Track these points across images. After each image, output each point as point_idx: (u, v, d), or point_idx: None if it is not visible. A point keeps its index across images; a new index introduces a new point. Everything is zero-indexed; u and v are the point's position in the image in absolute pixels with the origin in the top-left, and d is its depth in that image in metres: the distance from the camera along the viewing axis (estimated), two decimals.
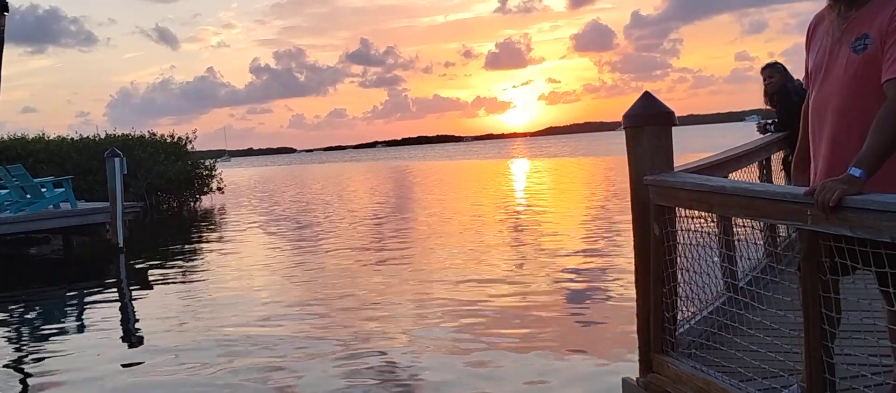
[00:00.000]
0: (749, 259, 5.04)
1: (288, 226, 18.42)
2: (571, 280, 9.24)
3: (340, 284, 9.93)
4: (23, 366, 6.98)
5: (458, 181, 36.23)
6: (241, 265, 12.30)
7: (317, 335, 7.21)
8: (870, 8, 2.86)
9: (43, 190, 15.16)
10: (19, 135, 28.05)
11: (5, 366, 6.91)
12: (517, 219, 16.85)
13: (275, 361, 6.44)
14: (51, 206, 14.77)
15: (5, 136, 27.68)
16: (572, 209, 18.93)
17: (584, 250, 11.48)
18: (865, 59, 2.83)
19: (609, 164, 40.71)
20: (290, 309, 8.52)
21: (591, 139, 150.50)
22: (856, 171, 2.62)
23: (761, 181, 6.26)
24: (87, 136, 27.72)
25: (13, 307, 9.93)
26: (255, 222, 20.10)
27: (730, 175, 4.71)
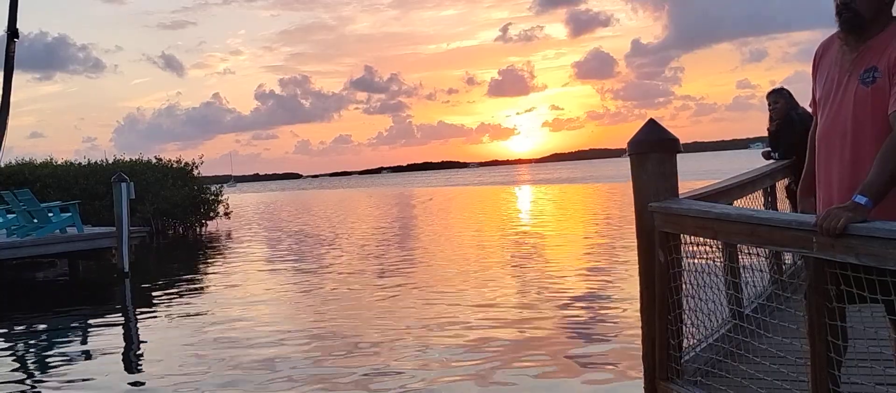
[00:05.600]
0: (754, 286, 5.03)
1: (293, 251, 18.43)
2: (576, 307, 9.21)
3: (346, 309, 9.92)
4: (27, 390, 6.97)
5: (464, 207, 36.22)
6: (247, 290, 12.29)
7: (322, 361, 7.19)
8: (879, 40, 2.89)
9: (49, 215, 15.21)
10: (27, 159, 28.20)
11: (11, 390, 6.90)
12: (522, 246, 16.83)
13: (280, 387, 6.42)
14: (57, 230, 14.81)
15: (13, 161, 27.79)
16: (577, 236, 18.89)
17: (588, 277, 11.45)
18: (874, 91, 2.86)
19: (613, 190, 40.69)
20: (295, 334, 8.50)
21: (596, 165, 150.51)
22: (861, 199, 2.63)
23: (766, 208, 6.25)
24: (95, 161, 27.83)
25: (19, 331, 9.94)
26: (260, 247, 20.11)
27: (734, 202, 4.70)
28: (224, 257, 18.65)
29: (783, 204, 6.88)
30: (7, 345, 9.09)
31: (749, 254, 4.64)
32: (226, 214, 29.72)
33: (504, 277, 11.92)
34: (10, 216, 16.14)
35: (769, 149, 7.37)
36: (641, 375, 3.88)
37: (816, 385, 2.78)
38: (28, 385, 7.16)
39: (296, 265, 15.39)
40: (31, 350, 8.98)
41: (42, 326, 10.29)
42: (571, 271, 12.18)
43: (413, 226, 25.79)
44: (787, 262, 6.01)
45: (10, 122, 26.25)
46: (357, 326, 8.75)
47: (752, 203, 5.59)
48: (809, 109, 3.44)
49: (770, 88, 7.42)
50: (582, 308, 9.12)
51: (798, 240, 2.76)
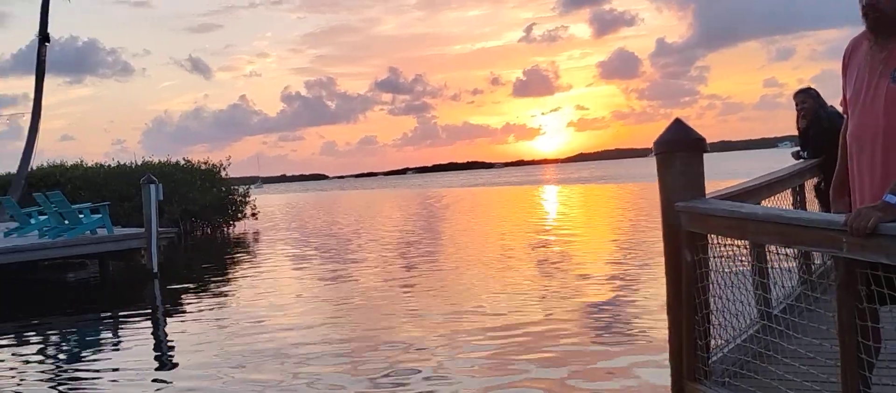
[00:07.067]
0: (783, 287, 4.98)
1: (320, 252, 18.52)
2: (602, 308, 9.17)
3: (372, 309, 9.95)
4: (59, 389, 7.07)
5: (490, 208, 36.19)
6: (274, 291, 12.38)
7: (349, 361, 7.22)
8: None
9: (80, 216, 15.43)
10: (58, 162, 28.62)
11: (41, 390, 7.00)
12: (547, 246, 16.79)
13: (307, 385, 6.46)
14: (88, 231, 15.01)
15: (45, 164, 28.26)
16: (603, 236, 18.82)
17: (614, 277, 11.39)
18: None
19: (639, 190, 40.44)
20: (322, 335, 8.54)
21: (621, 165, 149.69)
22: (892, 198, 2.60)
23: (795, 208, 6.18)
24: (124, 163, 28.15)
25: (51, 331, 10.09)
26: (287, 248, 20.23)
27: (762, 202, 4.66)
28: (251, 258, 18.79)
29: (812, 204, 6.80)
30: (40, 343, 9.24)
31: (777, 254, 4.60)
32: (253, 214, 29.86)
33: (529, 277, 11.90)
34: (43, 218, 16.39)
35: (798, 148, 7.30)
36: (669, 375, 3.85)
37: (847, 386, 2.75)
38: (61, 382, 7.26)
39: (322, 265, 15.47)
40: (63, 348, 9.11)
41: (74, 326, 10.44)
42: (597, 271, 12.12)
43: (439, 226, 25.81)
44: (816, 262, 5.94)
45: (42, 125, 26.85)
46: (383, 325, 8.78)
47: (780, 203, 5.53)
48: (840, 108, 3.40)
49: (798, 87, 7.35)
50: (608, 308, 9.08)
51: (827, 240, 2.73)
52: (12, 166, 27.11)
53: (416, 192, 68.77)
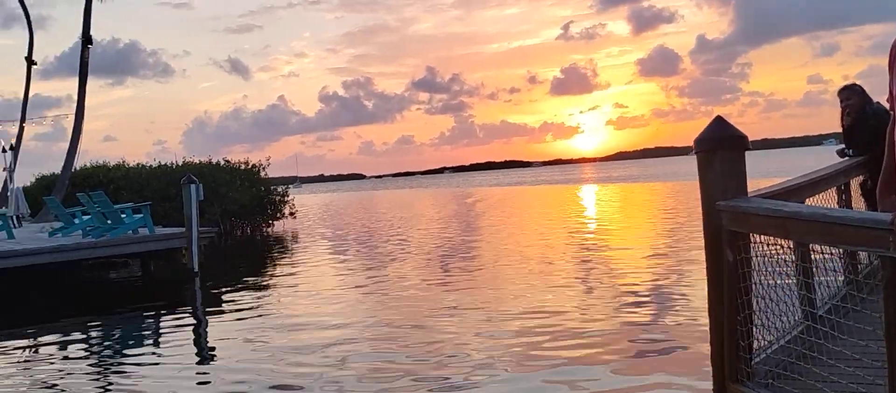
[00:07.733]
0: (828, 286, 4.88)
1: (358, 251, 18.62)
2: (642, 307, 9.09)
3: (411, 310, 9.97)
4: (102, 386, 7.19)
5: (528, 206, 36.06)
6: (313, 290, 12.47)
7: (388, 362, 7.24)
8: None
9: (122, 216, 15.67)
10: (101, 163, 29.15)
11: (86, 386, 7.13)
12: (587, 245, 16.68)
13: (346, 384, 6.48)
14: (130, 231, 15.25)
15: (88, 164, 28.81)
16: (643, 235, 18.65)
17: (655, 277, 11.28)
18: None
19: (680, 189, 40.02)
20: (361, 334, 8.57)
21: (662, 163, 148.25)
22: None
23: (840, 207, 6.05)
24: (165, 164, 28.57)
25: (94, 329, 10.28)
26: (326, 248, 20.37)
27: (806, 200, 4.57)
28: (290, 257, 18.96)
29: (858, 203, 6.66)
30: (84, 341, 9.42)
31: (822, 253, 4.51)
32: (291, 214, 30.11)
33: (568, 276, 11.83)
34: (86, 218, 16.69)
35: (843, 146, 7.15)
36: (711, 377, 3.80)
37: (894, 388, 2.68)
38: (104, 379, 7.39)
39: (360, 265, 15.55)
40: (106, 346, 9.28)
41: (116, 324, 10.62)
42: (637, 271, 12.02)
43: (476, 225, 25.79)
44: (862, 261, 5.82)
45: (85, 126, 27.39)
46: (421, 325, 8.80)
47: (824, 202, 5.42)
48: (886, 105, 3.32)
49: (843, 83, 7.20)
50: (648, 308, 9.00)
51: (874, 239, 2.67)
52: (56, 167, 27.73)
53: (453, 192, 68.80)
